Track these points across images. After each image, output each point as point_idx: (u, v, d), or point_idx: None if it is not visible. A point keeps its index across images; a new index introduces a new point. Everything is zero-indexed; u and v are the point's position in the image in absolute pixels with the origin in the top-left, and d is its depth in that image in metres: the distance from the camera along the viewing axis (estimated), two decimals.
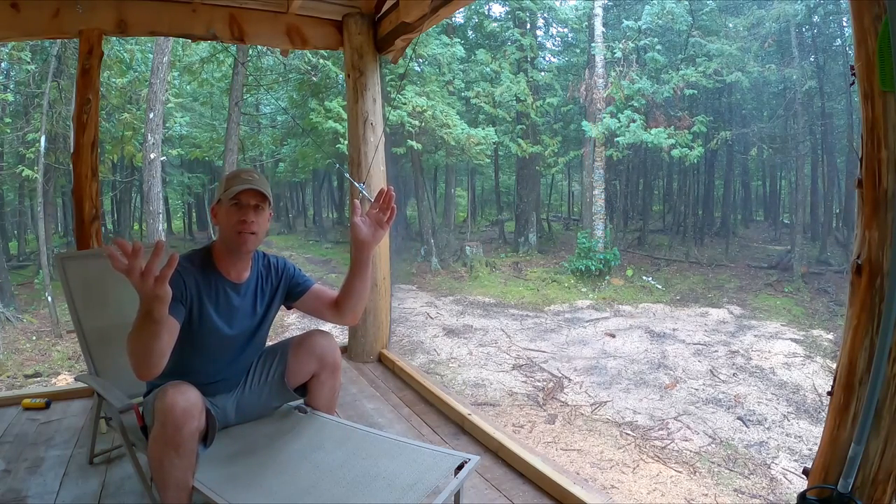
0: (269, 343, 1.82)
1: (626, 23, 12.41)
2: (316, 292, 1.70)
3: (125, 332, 1.71)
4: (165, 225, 12.22)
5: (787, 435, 5.05)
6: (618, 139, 11.73)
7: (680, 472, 4.44)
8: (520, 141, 13.52)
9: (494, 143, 13.29)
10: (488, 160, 15.22)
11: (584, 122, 12.62)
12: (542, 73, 15.03)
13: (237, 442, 1.65)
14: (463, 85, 13.08)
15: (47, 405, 2.62)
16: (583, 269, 11.94)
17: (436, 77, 12.30)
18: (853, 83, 1.17)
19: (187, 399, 1.38)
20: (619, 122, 11.54)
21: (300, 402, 1.80)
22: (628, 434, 5.10)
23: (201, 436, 1.48)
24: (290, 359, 1.71)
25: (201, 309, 1.51)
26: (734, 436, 5.04)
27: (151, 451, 1.40)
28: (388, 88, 9.30)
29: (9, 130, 9.73)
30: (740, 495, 4.15)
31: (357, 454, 1.57)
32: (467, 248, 13.50)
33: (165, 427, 1.35)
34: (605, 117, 11.82)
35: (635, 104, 11.72)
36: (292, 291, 1.69)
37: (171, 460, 1.37)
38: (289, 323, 9.12)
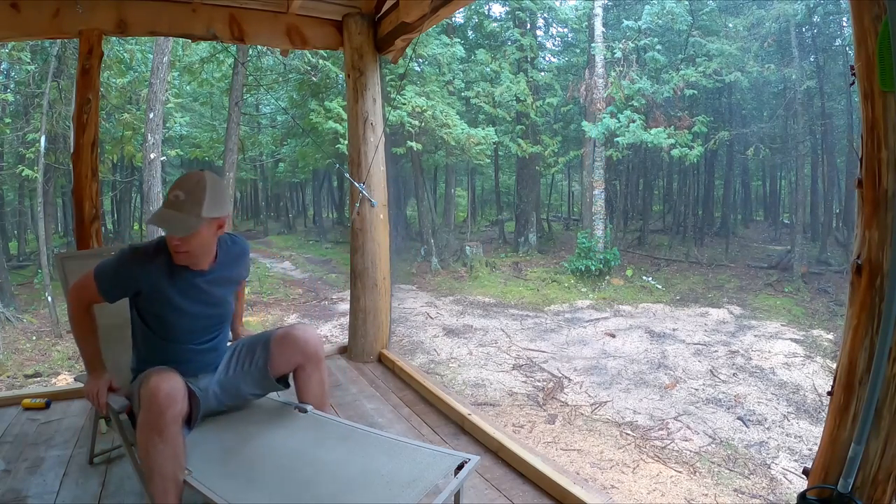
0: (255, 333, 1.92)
1: (626, 23, 12.40)
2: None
3: (125, 331, 1.75)
4: None
5: (787, 435, 5.05)
6: (618, 139, 11.72)
7: (680, 472, 4.43)
8: (520, 141, 13.51)
9: (494, 143, 13.28)
10: (488, 160, 15.21)
11: (584, 122, 12.61)
12: (542, 73, 15.02)
13: (235, 440, 1.65)
14: (463, 85, 13.07)
15: (47, 405, 2.62)
16: (583, 269, 11.94)
17: (436, 77, 12.29)
18: (853, 83, 1.17)
19: (170, 384, 1.41)
20: (619, 122, 11.53)
21: (282, 391, 1.85)
22: (628, 434, 5.09)
23: (185, 419, 1.50)
24: (273, 349, 1.74)
25: (163, 293, 1.53)
26: (734, 436, 5.03)
27: (139, 438, 1.43)
28: (388, 88, 9.30)
29: (9, 130, 9.73)
30: (740, 495, 4.15)
31: (356, 453, 1.58)
32: (467, 248, 13.50)
33: (150, 411, 1.38)
34: (605, 117, 11.81)
35: (635, 104, 11.71)
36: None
37: (156, 445, 1.39)
38: (288, 323, 9.12)
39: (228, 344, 1.86)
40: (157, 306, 1.56)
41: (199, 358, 1.67)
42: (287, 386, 1.82)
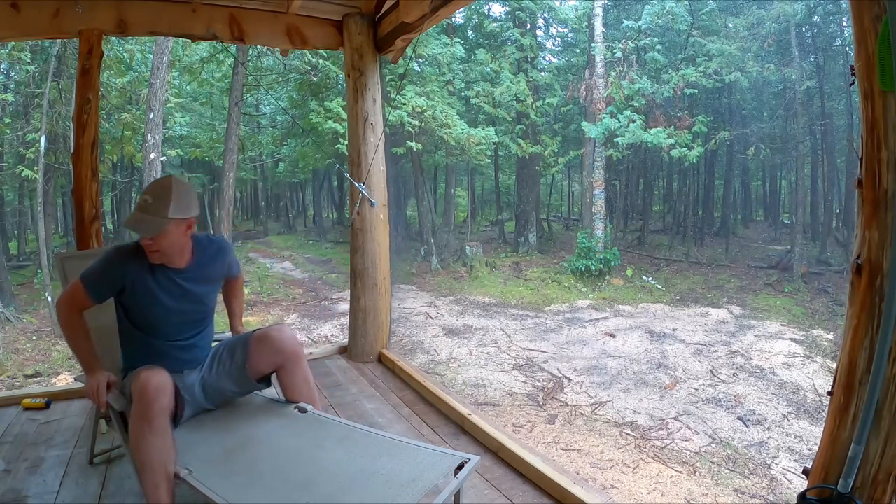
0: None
1: (626, 23, 12.40)
2: (232, 282, 1.99)
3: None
4: None
5: (787, 435, 5.05)
6: (617, 139, 11.71)
7: (680, 472, 4.43)
8: (520, 141, 13.51)
9: (494, 143, 13.28)
10: (488, 160, 15.20)
11: (584, 122, 12.61)
12: (542, 73, 15.02)
13: (236, 440, 1.65)
14: (463, 85, 13.07)
15: (47, 405, 2.62)
16: (583, 269, 11.94)
17: (436, 77, 12.29)
18: (853, 83, 1.17)
19: (159, 378, 1.49)
20: (619, 122, 11.53)
21: (263, 389, 1.89)
22: (628, 434, 5.09)
23: (171, 416, 1.55)
24: (251, 349, 1.78)
25: (146, 287, 1.63)
26: (734, 436, 5.03)
27: (131, 432, 1.48)
28: (388, 88, 9.30)
29: (9, 130, 9.73)
30: (740, 495, 4.15)
31: (356, 453, 1.58)
32: (467, 248, 13.50)
33: (140, 402, 1.45)
34: (604, 117, 11.81)
35: (635, 104, 11.70)
36: (227, 275, 1.90)
37: (146, 437, 1.44)
38: (288, 323, 9.12)
39: (215, 344, 1.91)
40: (140, 301, 1.65)
41: (181, 354, 1.74)
42: (268, 385, 1.87)
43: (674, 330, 8.38)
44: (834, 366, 2.54)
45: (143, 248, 1.60)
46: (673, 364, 6.85)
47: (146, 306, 1.65)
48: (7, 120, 9.59)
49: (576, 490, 1.80)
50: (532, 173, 15.07)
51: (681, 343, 7.73)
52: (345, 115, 9.83)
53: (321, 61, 11.44)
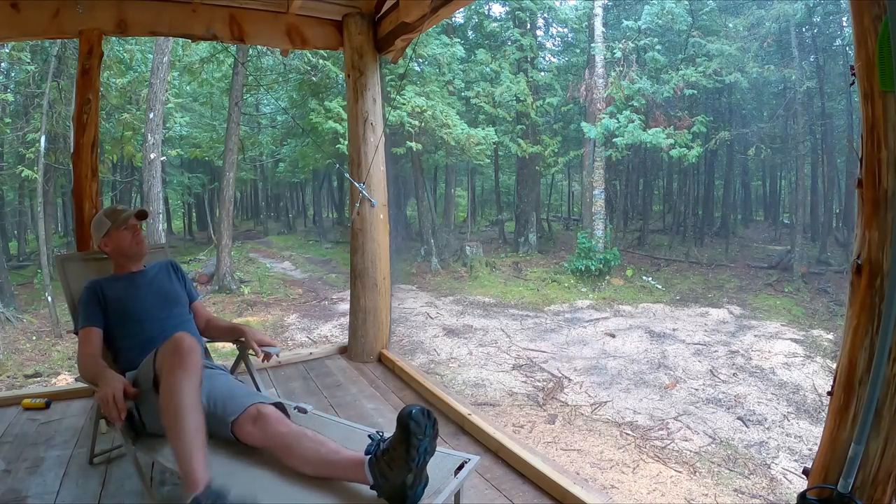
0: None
1: (626, 23, 12.41)
2: (197, 307, 2.14)
3: None
4: (165, 225, 12.24)
5: (787, 435, 5.05)
6: (617, 139, 11.72)
7: (680, 472, 4.43)
8: (520, 141, 13.51)
9: (494, 143, 13.27)
10: (488, 160, 15.20)
11: (584, 123, 12.61)
12: (542, 73, 15.02)
13: (237, 442, 1.65)
14: (463, 85, 13.07)
15: (47, 405, 2.62)
16: (583, 269, 11.94)
17: (436, 77, 12.29)
18: (853, 83, 1.17)
19: (191, 339, 1.56)
20: (619, 122, 11.53)
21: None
22: (628, 434, 5.09)
23: None
24: (239, 421, 1.59)
25: (116, 288, 1.91)
26: (734, 436, 5.03)
27: (166, 385, 1.47)
28: (388, 88, 9.31)
29: (9, 130, 9.72)
30: (740, 495, 4.15)
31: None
32: (467, 248, 13.50)
33: (176, 354, 1.49)
34: (604, 117, 11.81)
35: (635, 104, 11.71)
36: (188, 293, 2.11)
37: (184, 382, 1.46)
38: (288, 323, 9.12)
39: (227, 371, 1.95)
40: (116, 298, 1.88)
41: (168, 329, 1.80)
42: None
43: (674, 330, 8.38)
44: (834, 366, 2.54)
45: (134, 239, 1.98)
46: (673, 364, 6.85)
47: (121, 297, 1.89)
48: (7, 120, 9.59)
49: (576, 490, 1.80)
50: (532, 173, 15.07)
51: (681, 343, 7.73)
52: (345, 115, 9.83)
53: (321, 61, 11.44)
